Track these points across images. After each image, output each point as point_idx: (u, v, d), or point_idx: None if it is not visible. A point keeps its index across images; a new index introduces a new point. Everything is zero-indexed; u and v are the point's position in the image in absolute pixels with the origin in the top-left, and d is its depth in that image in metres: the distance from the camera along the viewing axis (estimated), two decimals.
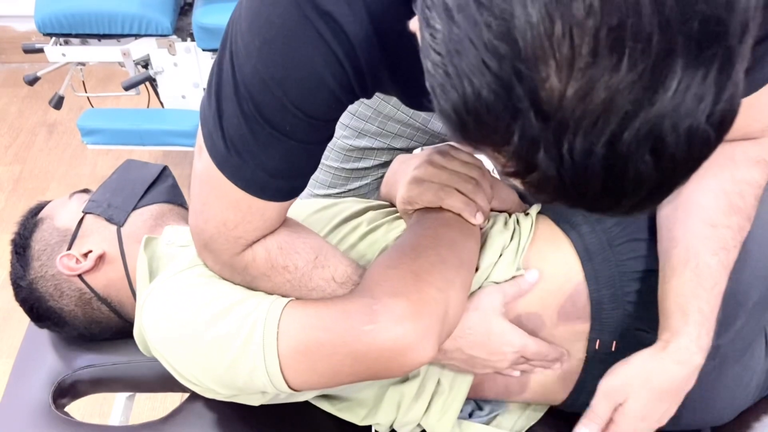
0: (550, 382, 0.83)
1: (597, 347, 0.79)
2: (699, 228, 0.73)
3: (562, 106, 0.39)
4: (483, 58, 0.39)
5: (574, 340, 0.80)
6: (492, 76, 0.39)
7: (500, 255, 0.80)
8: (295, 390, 0.72)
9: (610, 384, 0.73)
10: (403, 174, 0.84)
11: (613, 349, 0.78)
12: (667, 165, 0.41)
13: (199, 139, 0.67)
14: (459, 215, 0.79)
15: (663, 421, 0.74)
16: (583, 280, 0.78)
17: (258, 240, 0.73)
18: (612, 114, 0.38)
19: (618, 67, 0.37)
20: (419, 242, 0.75)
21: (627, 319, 0.76)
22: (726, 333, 0.75)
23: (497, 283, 0.79)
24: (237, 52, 0.60)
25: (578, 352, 0.80)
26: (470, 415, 0.89)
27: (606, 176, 0.41)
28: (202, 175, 0.68)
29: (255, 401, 0.81)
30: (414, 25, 0.46)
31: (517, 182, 0.45)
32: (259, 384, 0.72)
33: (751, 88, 0.65)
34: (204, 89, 2.04)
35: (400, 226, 0.86)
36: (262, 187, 0.67)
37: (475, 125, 0.42)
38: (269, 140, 0.63)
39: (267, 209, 0.69)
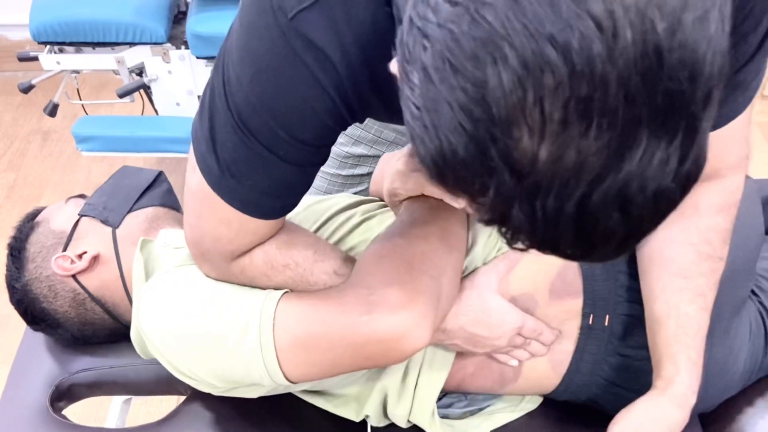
0: (544, 367, 0.85)
1: (591, 322, 0.81)
2: (674, 282, 0.77)
3: (535, 168, 0.40)
4: (459, 120, 0.41)
5: (566, 319, 0.82)
6: (468, 137, 0.41)
7: (489, 235, 0.83)
8: (293, 382, 0.74)
9: (621, 430, 0.75)
10: (388, 169, 0.86)
11: (606, 323, 0.80)
12: (634, 221, 0.43)
13: (192, 158, 0.68)
14: (442, 200, 0.80)
15: None
16: None
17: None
18: (582, 177, 0.40)
19: (587, 135, 0.39)
20: (410, 231, 0.77)
21: (619, 290, 0.79)
22: None
23: (487, 262, 0.82)
24: (229, 81, 0.61)
25: (571, 332, 0.82)
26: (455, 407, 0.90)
27: (576, 232, 0.43)
28: (196, 192, 0.70)
29: (252, 393, 0.81)
30: (394, 68, 0.47)
31: (493, 228, 0.48)
32: (256, 377, 0.73)
33: (719, 122, 0.67)
34: (198, 96, 2.04)
35: (393, 216, 0.88)
36: (256, 206, 0.68)
37: (452, 177, 0.44)
38: (265, 163, 0.64)
39: (260, 227, 0.71)
